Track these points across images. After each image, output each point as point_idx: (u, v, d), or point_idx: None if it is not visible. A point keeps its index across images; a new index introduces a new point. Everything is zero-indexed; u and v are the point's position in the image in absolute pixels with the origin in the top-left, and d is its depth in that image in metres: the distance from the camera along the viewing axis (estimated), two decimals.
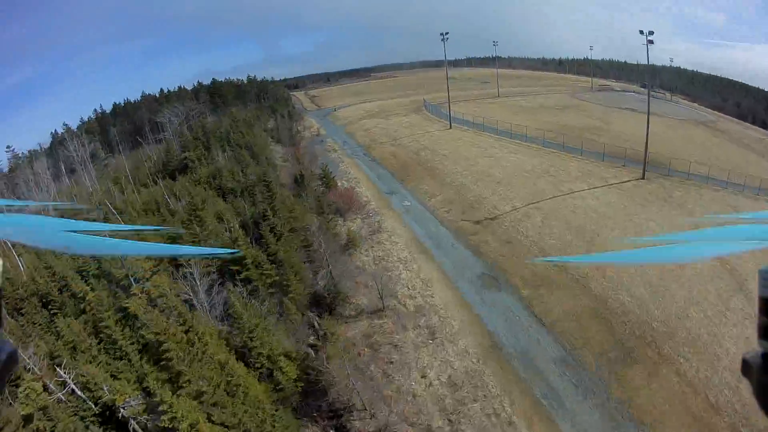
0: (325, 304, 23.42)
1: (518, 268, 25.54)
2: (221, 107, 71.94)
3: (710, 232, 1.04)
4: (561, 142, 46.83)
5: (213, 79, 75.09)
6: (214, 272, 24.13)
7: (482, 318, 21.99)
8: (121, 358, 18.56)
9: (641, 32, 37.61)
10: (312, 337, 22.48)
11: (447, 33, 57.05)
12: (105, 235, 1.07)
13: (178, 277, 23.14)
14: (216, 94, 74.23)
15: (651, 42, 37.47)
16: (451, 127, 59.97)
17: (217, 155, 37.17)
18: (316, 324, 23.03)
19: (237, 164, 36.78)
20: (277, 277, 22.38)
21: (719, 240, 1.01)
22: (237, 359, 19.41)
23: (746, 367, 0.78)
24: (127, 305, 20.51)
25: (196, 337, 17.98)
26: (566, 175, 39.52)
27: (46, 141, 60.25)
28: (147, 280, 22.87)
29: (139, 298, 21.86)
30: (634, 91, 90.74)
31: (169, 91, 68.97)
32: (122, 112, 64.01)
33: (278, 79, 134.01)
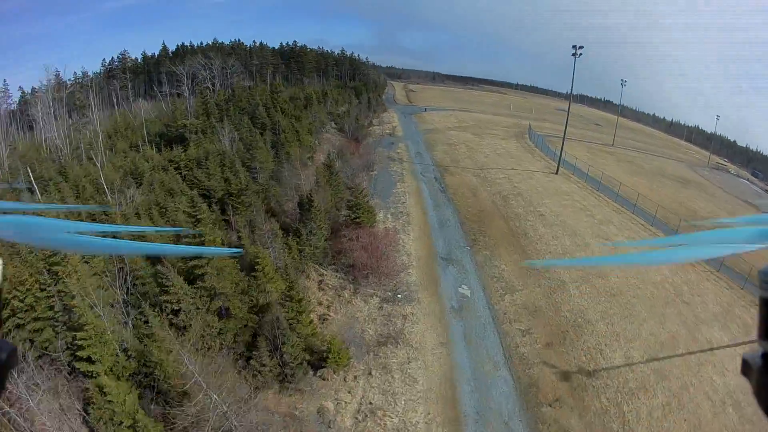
0: None
1: None
2: (296, 74, 61.85)
3: (702, 236, 1.03)
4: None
5: (294, 41, 65.23)
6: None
7: None
8: None
9: None
10: None
11: (581, 47, 41.47)
12: (108, 236, 1.07)
13: None
14: (294, 59, 64.30)
15: None
16: (557, 172, 44.44)
17: (224, 133, 25.80)
18: None
19: (246, 152, 25.11)
20: None
21: (711, 243, 1.01)
22: None
23: (746, 367, 0.77)
24: None
25: None
26: (703, 307, 23.54)
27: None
28: None
29: None
30: (747, 179, 79.25)
31: (239, 42, 60.06)
32: (182, 54, 55.79)
33: (382, 66, 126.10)
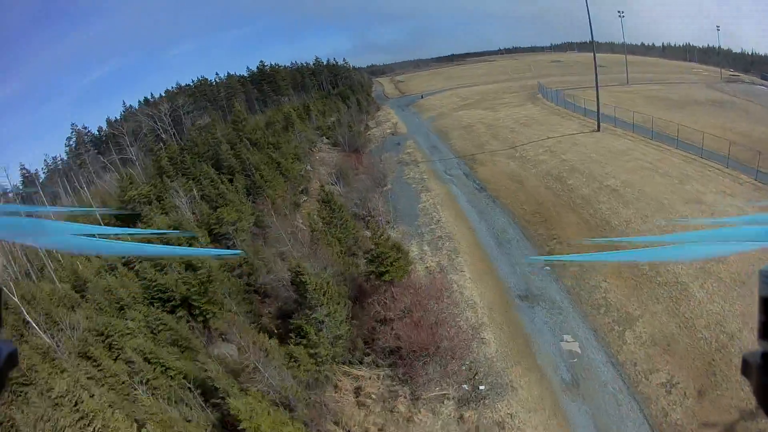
0: None
1: None
2: (271, 96, 55.08)
3: (703, 234, 1.06)
4: None
5: (260, 62, 58.12)
6: None
7: None
8: None
9: None
10: None
11: None
12: (111, 239, 1.07)
13: None
14: (266, 81, 57.52)
15: None
16: (599, 129, 36.49)
17: (179, 195, 18.82)
18: None
19: (211, 213, 18.14)
20: None
21: (711, 241, 1.03)
22: None
23: (746, 366, 0.77)
24: None
25: None
26: None
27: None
28: None
29: None
30: (762, 84, 70.89)
31: (202, 79, 53.11)
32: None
33: (363, 66, 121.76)
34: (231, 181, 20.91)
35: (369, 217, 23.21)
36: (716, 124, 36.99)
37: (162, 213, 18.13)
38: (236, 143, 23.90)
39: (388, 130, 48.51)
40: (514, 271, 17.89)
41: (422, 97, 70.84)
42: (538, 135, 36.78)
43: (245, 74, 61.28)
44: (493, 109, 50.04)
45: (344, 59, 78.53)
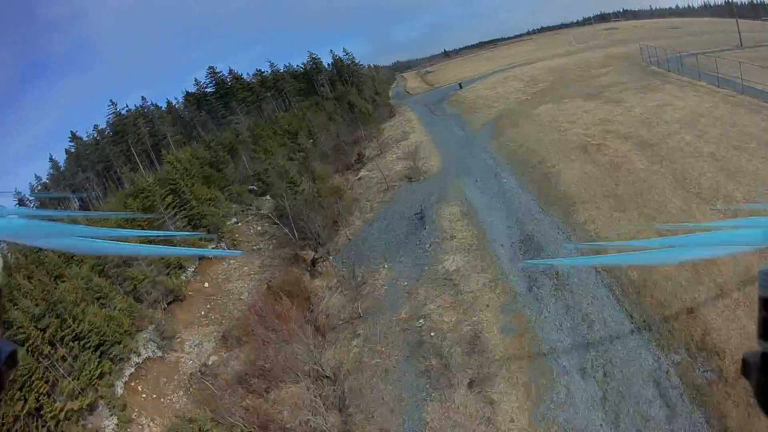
0: None
1: None
2: (228, 115, 34.23)
3: (695, 238, 1.05)
4: None
5: (210, 68, 37.13)
6: None
7: None
8: None
9: None
10: None
11: None
12: (114, 240, 1.02)
13: None
14: (215, 97, 36.68)
15: None
16: None
17: None
18: None
19: None
20: None
21: (710, 245, 1.02)
22: None
23: (746, 367, 0.76)
24: None
25: None
26: None
27: None
28: None
29: None
30: None
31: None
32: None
33: (388, 64, 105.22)
34: None
35: None
36: None
37: None
38: None
39: (399, 166, 25.06)
40: None
41: (461, 86, 46.17)
42: None
43: (192, 90, 40.55)
44: (610, 99, 25.56)
45: (344, 50, 55.73)
